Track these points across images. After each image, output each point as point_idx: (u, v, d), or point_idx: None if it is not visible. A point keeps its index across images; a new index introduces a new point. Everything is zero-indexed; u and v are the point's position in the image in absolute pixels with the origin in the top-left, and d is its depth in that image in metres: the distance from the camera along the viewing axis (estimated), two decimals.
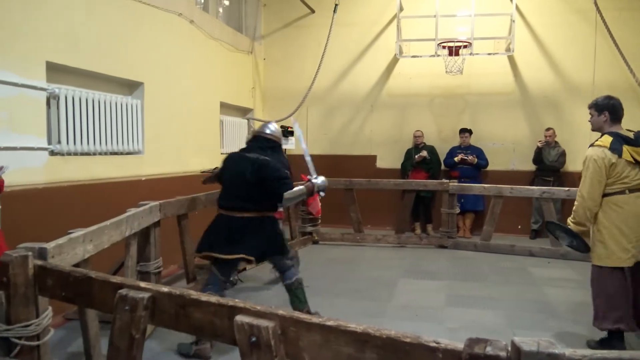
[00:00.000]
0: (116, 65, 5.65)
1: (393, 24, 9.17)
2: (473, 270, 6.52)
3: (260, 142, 4.34)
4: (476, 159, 8.64)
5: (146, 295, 2.15)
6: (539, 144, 8.48)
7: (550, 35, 8.81)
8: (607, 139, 3.88)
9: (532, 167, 8.66)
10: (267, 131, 4.38)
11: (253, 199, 4.09)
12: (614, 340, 3.89)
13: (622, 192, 3.85)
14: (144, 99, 6.16)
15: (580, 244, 4.10)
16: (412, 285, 5.83)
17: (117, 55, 5.65)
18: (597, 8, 7.99)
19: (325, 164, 9.45)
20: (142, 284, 2.24)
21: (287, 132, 9.12)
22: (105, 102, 5.55)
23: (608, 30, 7.90)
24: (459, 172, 8.60)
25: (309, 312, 4.33)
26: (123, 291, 2.20)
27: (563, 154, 8.41)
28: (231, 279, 5.27)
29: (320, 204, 7.93)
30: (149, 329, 3.89)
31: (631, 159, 3.82)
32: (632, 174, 3.84)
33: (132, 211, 4.03)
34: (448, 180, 7.99)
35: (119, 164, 5.74)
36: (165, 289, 2.18)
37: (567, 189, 7.42)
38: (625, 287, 3.91)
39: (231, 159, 4.34)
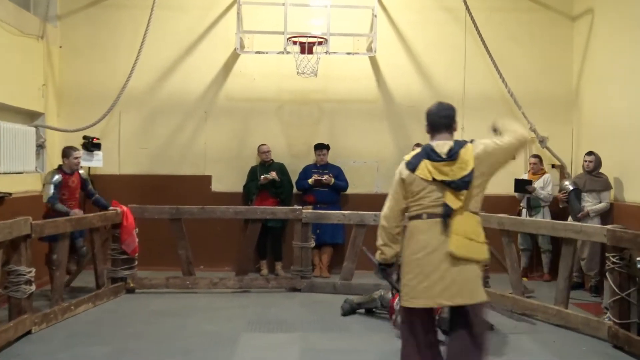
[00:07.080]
0: None
1: (232, 10, 9.23)
2: (333, 318, 6.67)
3: None
4: (333, 180, 8.91)
5: None
6: None
7: (417, 35, 9.52)
8: (413, 153, 4.09)
9: None
10: None
11: None
12: None
13: (419, 217, 3.96)
14: None
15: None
16: (259, 340, 5.84)
17: None
18: (467, 6, 8.81)
19: (144, 186, 9.18)
20: None
21: (92, 145, 8.65)
22: None
23: (478, 32, 8.75)
24: (315, 196, 8.81)
25: None
26: None
27: None
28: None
29: (137, 239, 7.59)
30: None
31: (428, 177, 3.89)
32: (432, 195, 3.89)
33: None
34: (301, 207, 8.15)
35: None
36: None
37: None
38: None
39: None
